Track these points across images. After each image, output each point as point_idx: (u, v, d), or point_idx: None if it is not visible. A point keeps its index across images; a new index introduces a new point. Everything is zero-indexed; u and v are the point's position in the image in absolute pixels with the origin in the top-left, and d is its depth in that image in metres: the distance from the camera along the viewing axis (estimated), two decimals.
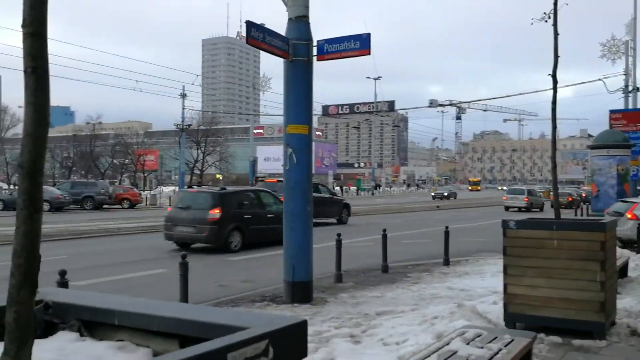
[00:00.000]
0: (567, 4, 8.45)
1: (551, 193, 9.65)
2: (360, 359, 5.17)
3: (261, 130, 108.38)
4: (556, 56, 8.27)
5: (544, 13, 8.56)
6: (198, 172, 70.45)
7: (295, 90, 8.26)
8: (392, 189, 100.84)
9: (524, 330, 5.10)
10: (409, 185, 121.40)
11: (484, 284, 9.34)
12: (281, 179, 27.72)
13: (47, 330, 1.72)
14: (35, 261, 1.34)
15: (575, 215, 27.53)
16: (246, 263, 12.88)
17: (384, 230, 11.57)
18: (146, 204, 41.59)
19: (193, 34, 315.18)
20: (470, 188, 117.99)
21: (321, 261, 10.03)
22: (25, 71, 1.34)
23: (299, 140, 8.23)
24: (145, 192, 53.79)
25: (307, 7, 8.24)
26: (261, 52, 8.49)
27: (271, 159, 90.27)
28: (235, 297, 8.76)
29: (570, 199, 41.31)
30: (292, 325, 1.50)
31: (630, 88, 27.34)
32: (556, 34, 8.31)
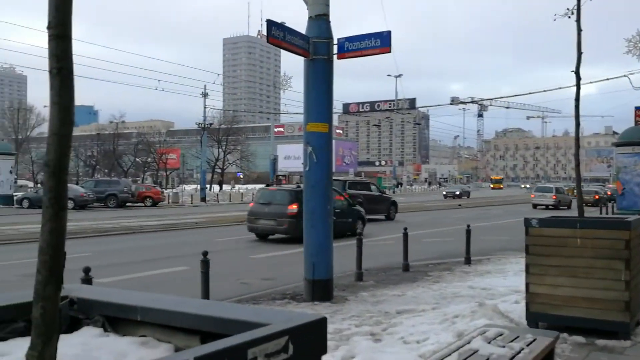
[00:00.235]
0: (590, 0, 8.32)
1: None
2: (380, 357, 5.17)
3: (282, 129, 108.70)
4: (579, 53, 8.15)
5: (567, 9, 8.44)
6: (219, 170, 70.87)
7: (316, 89, 8.27)
8: (413, 187, 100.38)
9: (547, 330, 5.05)
10: (430, 184, 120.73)
11: (506, 283, 9.26)
12: (337, 178, 29.40)
13: (72, 326, 1.75)
14: (60, 258, 1.37)
15: (600, 213, 27.14)
16: (267, 261, 12.94)
17: (405, 229, 11.53)
18: (168, 202, 41.97)
19: (214, 33, 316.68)
20: (492, 186, 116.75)
21: (341, 259, 10.04)
22: (50, 72, 1.37)
23: (319, 138, 8.24)
24: (168, 190, 54.30)
25: (327, 5, 8.23)
26: (282, 50, 8.52)
27: (292, 157, 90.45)
28: (256, 294, 8.81)
29: (596, 197, 40.77)
30: (312, 322, 1.50)
31: None
32: (579, 30, 8.19)
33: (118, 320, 1.74)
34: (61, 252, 1.37)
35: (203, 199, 45.02)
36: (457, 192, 60.18)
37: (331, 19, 8.30)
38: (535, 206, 36.95)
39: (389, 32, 8.26)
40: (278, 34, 7.76)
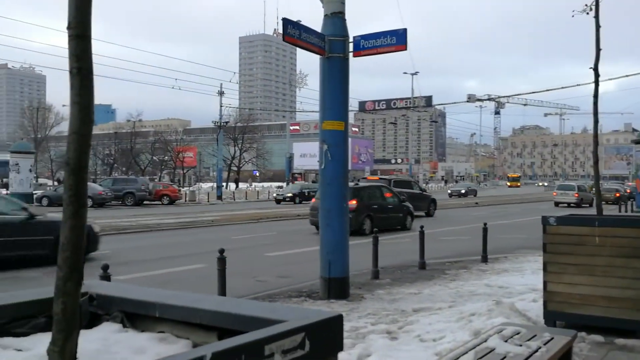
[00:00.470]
0: None
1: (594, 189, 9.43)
2: (396, 355, 5.16)
3: (297, 127, 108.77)
4: (598, 49, 8.07)
5: (586, 5, 8.36)
6: (235, 168, 71.15)
7: (331, 87, 8.27)
8: (429, 185, 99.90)
9: (565, 329, 5.02)
10: (446, 182, 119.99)
11: (523, 282, 9.19)
12: (383, 176, 30.90)
13: (92, 322, 1.77)
14: (80, 254, 1.39)
15: (619, 211, 26.81)
16: (283, 258, 12.97)
17: (422, 227, 11.50)
18: (185, 200, 42.24)
19: (230, 32, 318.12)
20: (509, 184, 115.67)
21: (357, 257, 10.03)
22: (70, 71, 1.39)
23: (334, 136, 8.23)
24: (184, 188, 54.63)
25: (343, 3, 8.22)
26: (297, 49, 8.53)
27: (307, 155, 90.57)
28: (272, 292, 8.84)
29: (617, 194, 40.33)
30: (328, 319, 1.51)
31: None
32: (598, 26, 8.10)
33: (137, 316, 1.76)
34: (81, 249, 1.39)
35: (219, 197, 45.24)
36: (463, 191, 57.33)
37: (347, 17, 8.30)
38: (557, 204, 36.89)
39: (404, 30, 8.23)
40: (294, 33, 7.77)
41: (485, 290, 8.64)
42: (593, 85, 8.26)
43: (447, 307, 7.33)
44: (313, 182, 59.06)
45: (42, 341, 1.51)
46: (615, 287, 5.79)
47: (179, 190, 44.54)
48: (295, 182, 54.97)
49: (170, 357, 1.23)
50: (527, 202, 44.71)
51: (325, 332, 1.49)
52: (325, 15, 8.22)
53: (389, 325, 6.29)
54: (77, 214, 1.38)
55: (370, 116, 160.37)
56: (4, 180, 41.97)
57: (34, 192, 37.32)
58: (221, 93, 50.12)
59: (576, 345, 5.06)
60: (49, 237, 11.28)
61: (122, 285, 2.05)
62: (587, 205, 36.64)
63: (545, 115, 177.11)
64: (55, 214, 13.24)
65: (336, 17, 8.18)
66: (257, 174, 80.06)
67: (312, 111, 71.13)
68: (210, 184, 66.67)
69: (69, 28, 1.39)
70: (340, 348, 1.54)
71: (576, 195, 36.88)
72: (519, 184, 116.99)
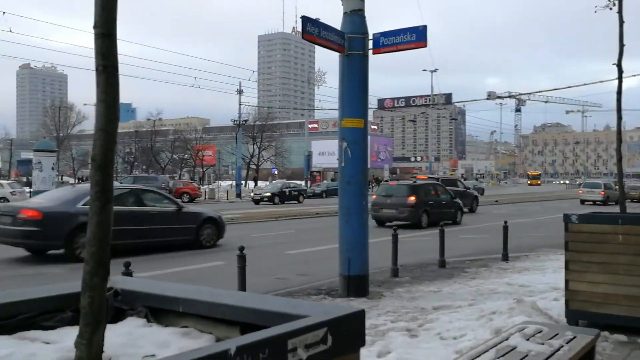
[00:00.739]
0: None
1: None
2: (416, 352, 5.15)
3: (316, 125, 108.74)
4: (621, 45, 7.96)
5: (609, 0, 8.25)
6: (254, 166, 71.41)
7: (351, 84, 8.26)
8: None
9: (587, 328, 4.96)
10: (466, 180, 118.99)
11: (544, 280, 9.11)
12: (432, 176, 33.34)
13: (117, 316, 1.80)
14: (107, 249, 1.41)
15: None
16: (302, 256, 13.00)
17: (441, 225, 11.45)
18: (205, 198, 42.52)
19: (249, 30, 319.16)
20: (529, 182, 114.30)
21: (377, 255, 10.02)
22: (96, 70, 1.41)
23: (354, 134, 8.22)
24: (204, 186, 54.98)
25: (362, 0, 8.21)
26: (316, 46, 8.53)
27: (326, 153, 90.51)
28: (292, 289, 8.87)
29: None
30: (350, 314, 1.52)
31: None
32: (621, 21, 7.99)
33: (161, 311, 1.78)
34: (108, 244, 1.41)
35: (238, 195, 45.46)
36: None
37: (366, 14, 8.28)
38: (583, 202, 36.95)
39: (424, 27, 8.19)
40: (313, 30, 7.77)
41: (506, 288, 8.58)
42: (616, 81, 8.15)
43: (467, 305, 7.29)
44: (332, 180, 59.08)
45: (69, 334, 1.53)
46: (638, 286, 5.71)
47: (199, 188, 44.88)
48: (312, 180, 54.82)
49: (195, 351, 1.24)
50: (548, 200, 44.26)
51: (348, 327, 1.50)
52: (345, 13, 8.21)
53: (408, 323, 6.28)
54: (103, 210, 1.40)
55: (389, 114, 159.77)
56: (28, 178, 42.61)
57: None
58: (240, 91, 50.33)
59: (599, 345, 5.00)
60: (192, 226, 13.75)
61: (146, 280, 2.07)
62: (613, 203, 36.31)
63: (567, 112, 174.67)
64: (194, 207, 17.48)
65: (356, 15, 8.17)
66: (276, 172, 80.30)
67: (331, 109, 71.10)
68: (229, 182, 67.02)
69: (95, 27, 1.40)
70: (362, 343, 1.55)
71: (602, 193, 36.86)
72: (539, 182, 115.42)
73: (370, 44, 8.31)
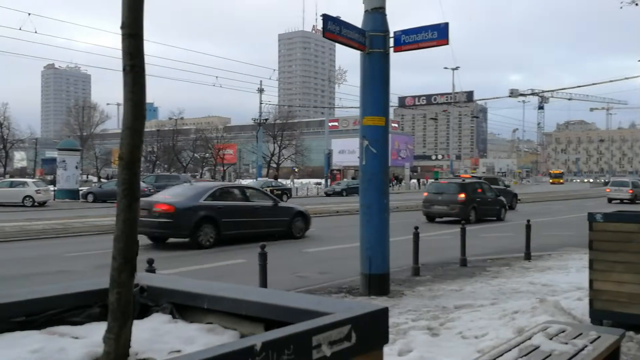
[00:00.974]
0: None
1: None
2: (438, 351, 5.13)
3: (336, 123, 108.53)
4: None
5: None
6: (274, 165, 71.63)
7: (372, 82, 8.25)
8: None
9: (612, 327, 4.90)
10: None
11: (568, 279, 9.00)
12: (474, 174, 35.10)
13: (142, 312, 1.83)
14: (134, 246, 1.43)
15: None
16: (323, 254, 13.01)
17: (463, 223, 11.38)
18: None
19: (269, 29, 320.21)
20: (551, 181, 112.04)
21: (398, 254, 9.99)
22: (124, 69, 1.43)
23: (375, 132, 8.21)
24: None
25: None
26: (337, 45, 8.53)
27: (346, 152, 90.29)
28: (313, 287, 8.89)
29: None
30: (374, 312, 1.53)
31: None
32: None
33: (186, 307, 1.81)
34: (135, 241, 1.43)
35: None
36: None
37: (387, 12, 8.26)
38: (610, 200, 36.73)
39: (446, 24, 8.14)
40: (334, 29, 7.77)
41: (528, 287, 8.50)
42: None
43: (489, 304, 7.24)
44: (353, 178, 59.00)
45: (97, 330, 1.56)
46: None
47: None
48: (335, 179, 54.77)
49: (222, 346, 1.26)
50: (571, 198, 43.70)
51: (371, 324, 1.51)
52: (366, 11, 8.20)
53: (429, 322, 6.26)
54: (130, 207, 1.43)
55: (410, 112, 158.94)
56: (52, 176, 43.23)
57: (80, 188, 38.43)
58: (261, 90, 50.57)
59: (624, 345, 4.93)
60: (286, 219, 15.46)
61: (171, 277, 2.10)
62: None
63: (591, 110, 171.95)
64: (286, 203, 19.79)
65: (377, 13, 8.15)
66: (296, 170, 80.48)
67: (352, 107, 70.94)
68: (249, 181, 67.29)
69: (122, 28, 1.43)
70: (386, 341, 1.56)
71: (630, 191, 36.68)
72: (561, 180, 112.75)
73: (391, 41, 8.28)
